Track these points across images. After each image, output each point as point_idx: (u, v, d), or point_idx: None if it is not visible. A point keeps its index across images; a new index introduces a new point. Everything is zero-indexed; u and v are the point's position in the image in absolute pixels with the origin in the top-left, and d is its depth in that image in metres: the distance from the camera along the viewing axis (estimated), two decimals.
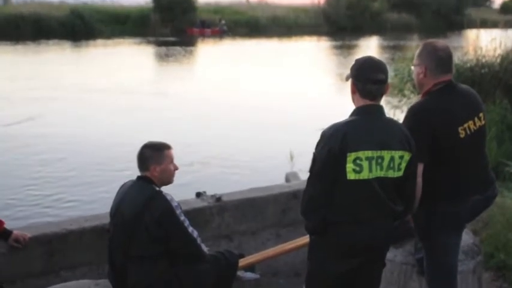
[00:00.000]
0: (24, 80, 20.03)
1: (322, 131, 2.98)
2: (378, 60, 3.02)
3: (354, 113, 2.98)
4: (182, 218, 3.29)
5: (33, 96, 16.58)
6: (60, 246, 4.14)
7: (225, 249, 3.98)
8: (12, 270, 3.97)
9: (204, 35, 44.28)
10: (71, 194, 8.53)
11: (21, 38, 36.75)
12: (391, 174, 2.85)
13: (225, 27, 46.34)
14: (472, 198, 3.22)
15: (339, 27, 48.62)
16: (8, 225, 3.96)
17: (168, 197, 3.29)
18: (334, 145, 2.82)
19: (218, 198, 4.81)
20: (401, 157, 2.85)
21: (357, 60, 3.06)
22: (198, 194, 4.90)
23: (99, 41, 37.66)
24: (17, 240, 3.89)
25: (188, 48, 34.80)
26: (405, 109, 6.47)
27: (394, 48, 33.05)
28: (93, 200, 8.03)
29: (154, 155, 3.38)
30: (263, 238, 5.06)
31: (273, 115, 14.10)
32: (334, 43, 39.31)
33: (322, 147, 2.88)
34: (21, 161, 10.22)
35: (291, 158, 9.77)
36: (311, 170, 2.95)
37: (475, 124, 3.20)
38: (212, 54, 32.89)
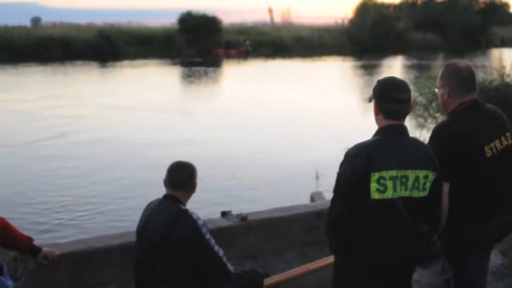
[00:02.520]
0: (54, 98, 20.56)
1: (346, 151, 2.99)
2: (400, 79, 3.03)
3: (377, 133, 2.98)
4: (208, 236, 3.31)
5: (63, 114, 17.15)
6: (87, 264, 4.19)
7: (250, 268, 3.98)
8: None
9: (229, 56, 44.61)
10: (100, 210, 8.63)
11: (50, 59, 37.47)
12: (416, 194, 2.83)
13: (249, 48, 46.64)
14: (500, 219, 3.19)
15: (363, 47, 48.53)
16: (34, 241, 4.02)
17: (194, 216, 3.31)
18: (358, 165, 2.83)
19: (243, 218, 4.82)
20: (425, 177, 2.84)
21: (379, 81, 3.07)
22: (224, 213, 4.91)
23: (126, 62, 38.18)
24: (45, 257, 3.93)
25: (213, 69, 35.08)
26: (431, 128, 6.43)
27: (419, 67, 32.86)
28: (123, 216, 8.11)
29: (185, 178, 3.41)
30: (288, 258, 5.04)
31: (297, 135, 14.15)
32: (358, 63, 39.27)
33: (346, 167, 2.89)
34: (52, 176, 10.44)
35: (316, 177, 9.75)
36: (335, 190, 2.96)
37: (501, 143, 3.17)
38: (236, 74, 33.10)
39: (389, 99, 2.92)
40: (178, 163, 3.48)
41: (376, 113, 3.02)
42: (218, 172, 10.09)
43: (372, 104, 3.07)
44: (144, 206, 3.57)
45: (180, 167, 3.46)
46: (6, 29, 47.67)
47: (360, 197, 2.83)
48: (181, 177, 3.42)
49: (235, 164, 11.24)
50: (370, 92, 3.13)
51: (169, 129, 15.15)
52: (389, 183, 2.79)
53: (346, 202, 2.88)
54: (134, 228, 3.62)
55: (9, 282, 3.58)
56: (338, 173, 2.95)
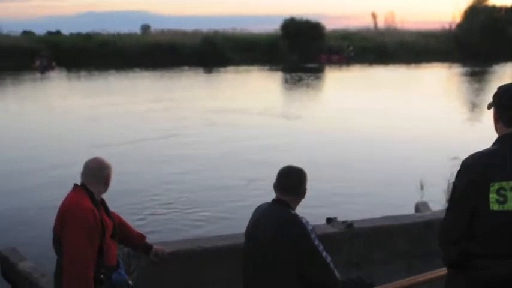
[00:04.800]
0: (160, 102, 21.53)
1: (462, 160, 2.88)
2: None
3: (496, 142, 2.85)
4: (316, 242, 3.30)
5: (172, 116, 18.08)
6: (195, 264, 4.30)
7: (356, 276, 3.93)
8: (149, 285, 4.18)
9: (331, 61, 44.44)
10: (210, 210, 8.88)
11: (158, 65, 39.05)
12: None
13: (352, 54, 46.24)
14: None
15: (471, 52, 46.63)
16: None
17: (303, 221, 3.31)
18: (475, 175, 2.72)
19: (349, 225, 4.77)
20: None
21: (500, 88, 2.93)
22: (329, 220, 4.88)
23: (230, 68, 39.02)
24: (156, 255, 4.08)
25: (315, 75, 35.08)
26: None
27: None
28: (232, 217, 8.29)
29: (298, 184, 3.43)
30: (394, 268, 4.93)
31: (400, 142, 13.87)
32: (466, 69, 37.81)
33: (463, 177, 2.78)
34: (166, 173, 10.95)
35: (421, 187, 9.46)
36: (451, 200, 2.86)
37: None
38: (338, 80, 32.94)
39: (510, 107, 2.79)
40: (289, 168, 3.48)
41: (496, 121, 2.88)
42: (320, 177, 10.05)
43: (490, 111, 2.93)
44: (253, 208, 3.62)
45: (290, 171, 3.46)
46: (118, 36, 50.33)
47: (478, 208, 2.71)
48: (292, 182, 3.43)
49: (335, 169, 11.16)
50: (480, 100, 2.99)
51: (271, 133, 15.34)
52: (510, 195, 2.66)
53: (462, 213, 2.77)
54: (242, 230, 3.68)
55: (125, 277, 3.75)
56: (454, 183, 2.85)
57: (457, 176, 2.86)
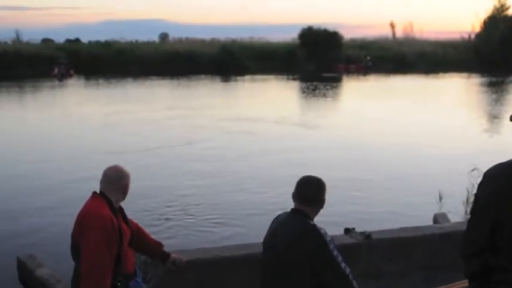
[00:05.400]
0: (178, 109, 21.67)
1: (483, 171, 2.83)
2: None
3: None
4: (335, 253, 3.26)
5: (189, 124, 18.17)
6: (212, 273, 4.29)
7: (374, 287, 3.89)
8: None
9: (348, 71, 44.35)
10: (225, 218, 8.86)
11: (175, 73, 39.26)
12: None
13: (369, 63, 46.12)
14: None
15: (491, 63, 46.27)
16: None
17: (322, 231, 3.28)
18: (498, 185, 2.67)
19: (367, 236, 4.73)
20: None
21: None
22: (347, 230, 4.84)
23: (247, 77, 39.10)
24: (174, 263, 4.07)
25: (332, 84, 35.03)
26: None
27: None
28: (249, 226, 8.27)
29: (317, 194, 3.40)
30: (413, 280, 4.88)
31: (418, 153, 13.77)
32: (485, 80, 37.52)
33: (485, 188, 2.74)
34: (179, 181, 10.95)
35: (440, 198, 9.37)
36: (473, 211, 2.82)
37: None
38: (355, 90, 32.84)
39: None
40: (308, 178, 3.45)
41: None
42: (337, 186, 10.00)
43: (508, 123, 2.87)
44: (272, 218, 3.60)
45: (309, 181, 3.43)
46: (136, 44, 50.73)
47: (500, 219, 2.66)
48: (310, 192, 3.40)
49: (353, 178, 11.09)
50: (498, 110, 2.95)
51: (288, 142, 15.31)
52: None
53: (484, 225, 2.72)
54: (259, 239, 3.66)
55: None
56: (476, 194, 2.81)
57: (479, 187, 2.82)
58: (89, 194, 3.63)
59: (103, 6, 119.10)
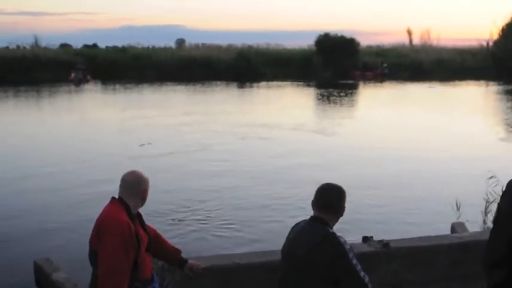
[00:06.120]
0: (193, 115, 21.76)
1: (498, 178, 2.79)
2: None
3: None
4: (354, 261, 3.23)
5: (204, 129, 18.27)
6: (229, 279, 4.27)
7: None
8: None
9: (365, 78, 44.19)
10: (241, 225, 8.84)
11: (192, 79, 39.38)
12: None
13: (386, 70, 45.92)
14: None
15: (509, 70, 45.79)
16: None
17: (341, 240, 3.24)
18: None
19: (385, 244, 4.67)
20: None
21: None
22: (365, 239, 4.79)
23: (263, 83, 39.10)
24: (191, 269, 4.06)
25: (348, 91, 34.92)
26: None
27: None
28: (266, 233, 8.23)
29: (337, 202, 3.37)
30: None
31: (438, 159, 13.68)
32: (503, 88, 37.17)
33: (508, 197, 2.69)
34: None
35: (457, 207, 9.26)
36: (495, 221, 2.77)
37: None
38: (372, 97, 32.71)
39: None
40: (328, 185, 3.42)
41: None
42: (354, 194, 9.94)
43: None
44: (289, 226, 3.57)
45: (329, 189, 3.40)
46: (152, 50, 50.94)
47: None
48: (330, 199, 3.37)
49: (370, 186, 11.02)
50: None
51: (304, 148, 15.32)
52: None
53: (506, 235, 2.67)
54: (275, 247, 3.63)
55: None
56: (499, 204, 2.76)
57: (502, 197, 2.78)
58: (107, 198, 3.64)
59: (120, 12, 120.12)
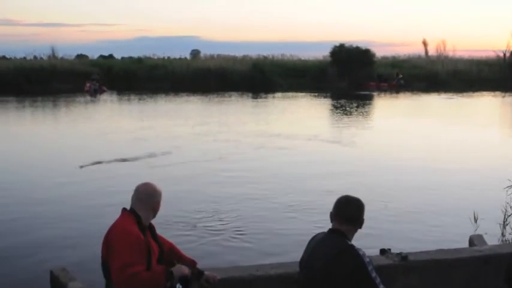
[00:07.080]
0: (208, 125, 21.86)
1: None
2: None
3: None
4: (374, 274, 3.19)
5: (219, 139, 18.36)
6: None
7: None
8: None
9: (380, 89, 44.04)
10: (258, 236, 8.77)
11: (207, 89, 39.51)
12: None
13: (402, 81, 45.76)
14: None
15: None
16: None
17: (360, 252, 3.21)
18: None
19: (404, 257, 4.62)
20: None
21: None
22: (383, 251, 4.74)
23: (278, 94, 39.11)
24: (207, 281, 4.03)
25: (363, 102, 34.81)
26: None
27: None
28: (283, 244, 8.16)
29: (354, 213, 3.34)
30: None
31: (455, 170, 13.58)
32: None
33: None
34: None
35: (475, 219, 9.15)
36: None
37: None
38: (389, 108, 32.61)
39: None
40: (347, 197, 3.40)
41: None
42: (371, 205, 9.88)
43: None
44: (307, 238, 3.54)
45: (348, 201, 3.38)
46: (168, 60, 51.26)
47: None
48: (350, 212, 3.34)
49: (386, 197, 10.92)
50: None
51: (320, 158, 15.28)
52: None
53: None
54: (292, 259, 3.60)
55: None
56: None
57: None
58: (121, 207, 3.65)
59: (136, 24, 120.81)
